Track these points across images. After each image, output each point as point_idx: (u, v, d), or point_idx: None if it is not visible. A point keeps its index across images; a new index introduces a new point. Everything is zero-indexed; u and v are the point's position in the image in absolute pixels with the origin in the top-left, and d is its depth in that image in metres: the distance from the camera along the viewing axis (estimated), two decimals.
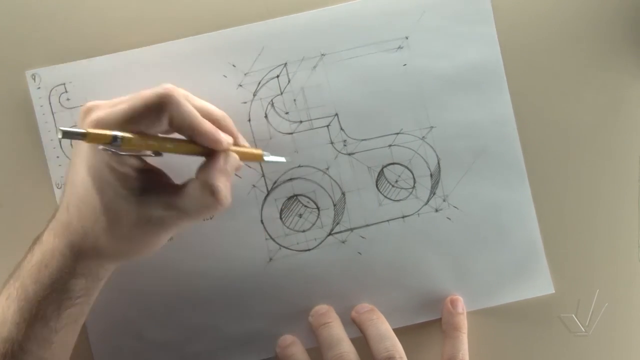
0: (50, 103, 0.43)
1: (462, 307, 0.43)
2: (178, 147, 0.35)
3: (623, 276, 0.44)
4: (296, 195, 0.44)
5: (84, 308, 0.37)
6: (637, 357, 0.44)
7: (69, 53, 0.43)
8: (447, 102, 0.43)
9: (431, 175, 0.44)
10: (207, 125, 0.35)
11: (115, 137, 0.31)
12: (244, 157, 0.38)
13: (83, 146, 0.35)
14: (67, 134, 0.30)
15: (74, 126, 0.43)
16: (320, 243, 0.44)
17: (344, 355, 0.39)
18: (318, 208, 0.44)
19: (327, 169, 0.44)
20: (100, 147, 0.33)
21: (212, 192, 0.34)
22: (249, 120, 0.43)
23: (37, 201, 0.43)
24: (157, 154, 0.35)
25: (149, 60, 0.43)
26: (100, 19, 0.43)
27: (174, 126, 0.34)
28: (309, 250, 0.44)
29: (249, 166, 0.43)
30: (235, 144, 0.38)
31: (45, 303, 0.35)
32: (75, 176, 0.35)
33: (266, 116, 0.43)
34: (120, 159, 0.34)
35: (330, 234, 0.44)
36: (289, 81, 0.43)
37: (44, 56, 0.43)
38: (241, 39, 0.43)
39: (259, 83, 0.43)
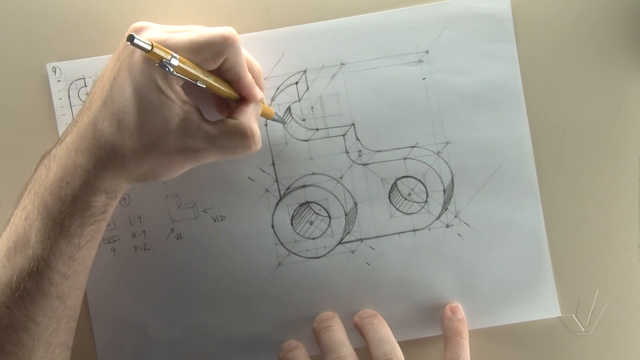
0: (69, 96, 0.43)
1: (462, 313, 0.43)
2: (220, 86, 0.37)
3: (623, 276, 0.44)
4: (308, 203, 0.44)
5: (102, 225, 0.37)
6: (637, 357, 0.44)
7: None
8: (465, 119, 0.43)
9: (444, 190, 0.44)
10: (250, 77, 0.38)
11: (172, 59, 0.32)
12: (265, 112, 0.41)
13: (134, 64, 0.34)
14: (133, 42, 0.30)
15: None
16: (329, 251, 0.44)
17: (342, 359, 0.39)
18: (329, 216, 0.44)
19: (341, 178, 0.44)
20: (157, 64, 0.32)
21: (251, 133, 0.37)
22: (266, 124, 0.43)
23: None
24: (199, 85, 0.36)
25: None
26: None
27: (223, 68, 0.36)
28: (318, 257, 0.44)
29: (262, 170, 0.43)
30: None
31: (69, 220, 0.35)
32: (115, 92, 0.35)
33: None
34: (168, 84, 0.35)
35: (340, 243, 0.44)
36: (307, 88, 0.44)
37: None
38: (262, 44, 0.43)
39: (278, 88, 0.43)
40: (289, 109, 0.44)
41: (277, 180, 0.44)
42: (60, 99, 0.43)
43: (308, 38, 0.43)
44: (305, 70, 0.43)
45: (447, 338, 0.42)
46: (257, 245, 0.43)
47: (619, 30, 0.44)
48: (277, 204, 0.44)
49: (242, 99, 0.38)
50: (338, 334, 0.41)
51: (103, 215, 0.37)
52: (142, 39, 0.31)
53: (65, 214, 0.35)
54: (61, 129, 0.43)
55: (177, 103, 0.35)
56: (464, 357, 0.41)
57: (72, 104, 0.43)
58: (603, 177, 0.44)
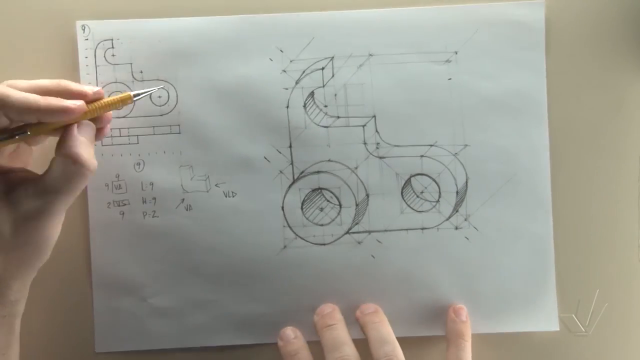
0: (95, 56, 0.43)
1: (466, 315, 0.43)
2: (36, 130, 0.35)
3: (623, 276, 0.44)
4: (321, 189, 0.44)
5: (6, 339, 0.36)
6: (637, 357, 0.44)
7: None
8: (486, 123, 0.43)
9: (457, 192, 0.44)
10: (45, 100, 0.34)
11: None
12: (108, 107, 0.38)
13: None
14: None
15: (111, 84, 0.43)
16: (336, 240, 0.44)
17: (345, 358, 0.39)
18: (340, 205, 0.44)
19: (356, 168, 0.44)
20: None
21: (74, 160, 0.34)
22: (287, 106, 0.43)
23: None
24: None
25: (199, 30, 0.43)
26: None
27: (15, 118, 0.34)
28: (324, 244, 0.44)
29: (279, 151, 0.43)
30: (89, 101, 0.37)
31: None
32: None
33: (305, 106, 0.43)
34: None
35: (347, 232, 0.44)
36: (332, 75, 0.43)
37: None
38: (293, 25, 0.43)
39: (303, 72, 0.43)
40: (312, 94, 0.43)
41: (292, 163, 0.44)
42: (86, 57, 0.43)
43: (339, 25, 0.43)
44: (332, 57, 0.43)
45: (449, 339, 0.42)
46: (265, 225, 0.44)
47: (619, 30, 0.43)
48: (290, 186, 0.44)
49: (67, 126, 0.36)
50: (340, 332, 0.41)
51: (3, 328, 0.35)
52: None
53: None
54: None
55: None
56: (465, 359, 0.41)
57: (97, 64, 0.43)
58: (603, 177, 0.44)
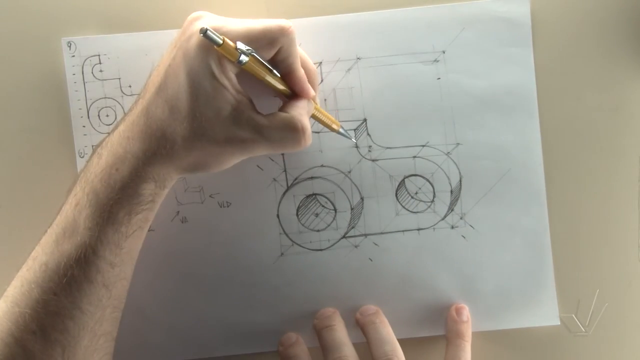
0: (82, 72, 0.43)
1: (467, 315, 0.43)
2: (276, 82, 0.37)
3: (623, 276, 0.44)
4: (315, 194, 0.44)
5: (149, 215, 0.37)
6: (637, 357, 0.44)
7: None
8: (477, 121, 0.43)
9: (451, 191, 0.44)
10: (302, 73, 0.38)
11: (241, 55, 0.34)
12: (321, 118, 0.41)
13: (190, 50, 0.34)
14: (206, 34, 0.32)
15: (100, 100, 0.43)
16: (333, 245, 0.44)
17: (344, 359, 0.39)
18: (335, 210, 0.44)
19: (349, 172, 0.44)
20: (205, 32, 0.33)
21: (302, 128, 0.37)
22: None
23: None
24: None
25: None
26: None
27: (277, 59, 0.36)
28: (321, 250, 0.44)
29: (272, 159, 0.43)
30: (313, 99, 0.40)
31: (117, 207, 0.35)
32: (169, 78, 0.35)
33: None
34: (222, 71, 0.35)
35: (344, 237, 0.44)
36: (321, 80, 0.43)
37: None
38: None
39: None
40: None
41: (285, 170, 0.44)
42: (74, 74, 0.43)
43: (326, 30, 0.43)
44: (320, 62, 0.43)
45: (449, 339, 0.42)
46: (261, 233, 0.43)
47: (619, 31, 0.43)
48: (284, 194, 0.44)
49: (295, 94, 0.38)
50: (339, 333, 0.41)
51: (151, 204, 0.37)
52: (215, 33, 0.32)
53: (114, 201, 0.35)
54: (73, 105, 0.43)
55: (230, 91, 0.35)
56: (464, 359, 0.41)
57: (85, 80, 0.43)
58: (603, 177, 0.44)
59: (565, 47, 0.44)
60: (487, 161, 0.43)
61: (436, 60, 0.43)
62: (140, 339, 0.44)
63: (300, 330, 0.43)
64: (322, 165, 0.43)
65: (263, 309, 0.44)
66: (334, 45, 0.43)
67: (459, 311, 0.43)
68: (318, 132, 0.43)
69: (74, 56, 0.43)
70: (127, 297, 0.43)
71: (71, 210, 0.35)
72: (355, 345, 0.41)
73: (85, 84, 0.43)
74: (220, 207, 0.43)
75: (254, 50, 0.34)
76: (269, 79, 0.37)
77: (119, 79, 0.43)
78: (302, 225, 0.44)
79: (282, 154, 0.43)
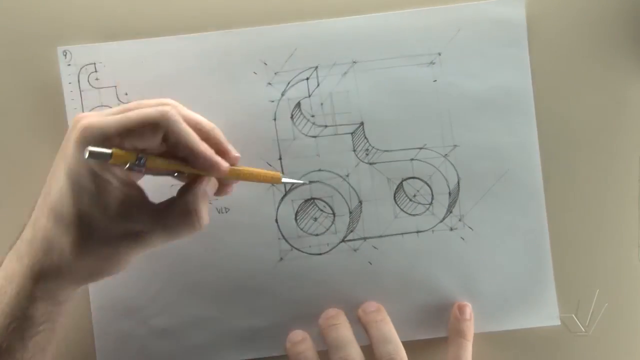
0: (79, 81, 0.43)
1: (470, 313, 0.43)
2: (179, 167, 0.35)
3: (623, 276, 0.44)
4: (313, 199, 0.44)
5: (49, 335, 0.35)
6: (637, 357, 0.44)
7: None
8: (474, 123, 0.43)
9: (450, 193, 0.44)
10: (203, 147, 0.35)
11: (139, 157, 0.32)
12: (254, 177, 0.38)
13: (67, 149, 0.33)
14: (92, 154, 0.30)
15: (97, 108, 0.43)
16: (332, 249, 0.44)
17: (349, 358, 0.39)
18: (334, 214, 0.44)
19: (347, 175, 0.44)
20: (89, 153, 0.31)
21: (194, 212, 0.35)
22: (275, 119, 0.43)
23: None
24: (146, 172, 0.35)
25: (181, 49, 0.43)
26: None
27: (169, 144, 0.34)
28: (320, 254, 0.44)
29: (269, 164, 0.43)
30: (228, 158, 0.37)
31: (7, 333, 0.33)
32: (52, 182, 0.34)
33: (292, 117, 0.43)
34: (104, 166, 0.33)
35: (343, 240, 0.44)
36: (318, 85, 0.43)
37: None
38: (275, 38, 0.43)
39: (288, 83, 0.43)
40: (298, 105, 0.43)
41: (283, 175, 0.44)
42: (70, 83, 0.43)
43: (321, 35, 0.43)
44: (316, 67, 0.43)
45: (450, 337, 0.42)
46: (260, 239, 0.43)
47: (615, 31, 0.43)
48: (282, 198, 0.44)
49: (198, 175, 0.36)
50: (345, 332, 0.41)
51: (47, 324, 0.35)
52: (98, 150, 0.31)
53: (3, 327, 0.33)
54: (69, 114, 0.43)
55: (116, 185, 0.34)
56: (465, 359, 0.41)
57: (81, 89, 0.43)
58: (603, 177, 0.44)
59: (561, 48, 0.44)
60: (485, 162, 0.43)
61: (432, 63, 0.43)
62: (142, 346, 0.44)
63: None
64: (319, 170, 0.43)
65: (263, 314, 0.44)
66: (330, 49, 0.43)
67: (461, 309, 0.43)
68: (315, 137, 0.43)
69: (69, 65, 0.43)
70: (127, 304, 0.43)
71: None
72: (360, 347, 0.41)
73: (82, 92, 0.43)
74: (219, 213, 0.43)
75: (144, 156, 0.33)
76: (171, 166, 0.35)
77: (115, 87, 0.43)
78: (301, 229, 0.44)
79: (280, 159, 0.43)
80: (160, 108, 0.33)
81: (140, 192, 0.36)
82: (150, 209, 0.35)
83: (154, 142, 0.34)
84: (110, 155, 0.31)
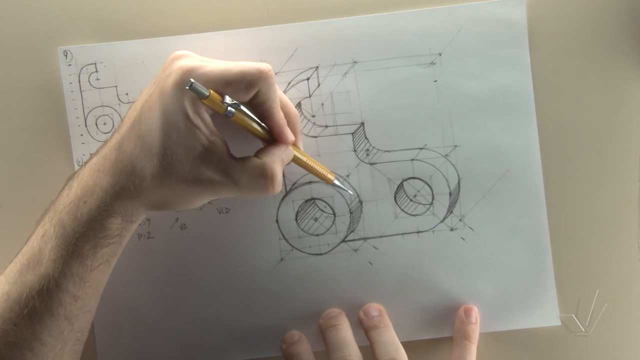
0: (79, 81, 0.43)
1: (476, 317, 0.43)
2: (257, 128, 0.37)
3: (623, 276, 0.44)
4: (314, 199, 0.44)
5: (116, 249, 0.37)
6: (637, 357, 0.44)
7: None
8: (474, 123, 0.43)
9: (450, 193, 0.44)
10: (281, 116, 0.38)
11: (235, 104, 0.35)
12: (311, 169, 0.41)
13: (166, 88, 0.35)
14: (191, 87, 0.32)
15: (97, 108, 0.43)
16: (332, 249, 0.44)
17: (348, 358, 0.39)
18: (334, 214, 0.44)
19: (348, 176, 0.44)
20: (191, 84, 0.33)
21: (271, 175, 0.36)
22: None
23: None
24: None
25: (181, 49, 0.43)
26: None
27: (255, 102, 0.36)
28: (320, 254, 0.44)
29: None
30: (295, 143, 0.40)
31: (83, 240, 0.35)
32: (144, 114, 0.35)
33: None
34: (196, 111, 0.35)
35: (343, 241, 0.44)
36: (318, 85, 0.43)
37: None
38: (276, 38, 0.43)
39: (289, 83, 0.43)
40: (299, 105, 0.43)
41: (284, 175, 0.44)
42: (71, 83, 0.43)
43: (322, 35, 0.43)
44: (317, 67, 0.43)
45: (455, 339, 0.42)
46: (261, 239, 0.43)
47: (616, 31, 0.43)
48: (283, 199, 0.44)
49: (274, 140, 0.38)
50: (344, 333, 0.41)
51: (118, 238, 0.36)
52: (200, 86, 0.33)
53: (79, 234, 0.35)
54: (70, 114, 0.43)
55: (204, 132, 0.35)
56: None
57: (82, 89, 0.43)
58: (603, 177, 0.44)
59: (561, 48, 0.44)
60: (485, 163, 0.43)
61: (433, 63, 0.43)
62: (141, 346, 0.44)
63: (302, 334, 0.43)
64: None
65: (264, 314, 0.44)
66: (331, 49, 0.43)
67: (467, 312, 0.43)
68: (316, 137, 0.43)
69: (70, 65, 0.43)
70: (129, 305, 0.43)
71: (37, 240, 0.35)
72: (360, 349, 0.41)
73: (82, 92, 0.43)
74: (219, 213, 0.43)
75: (239, 104, 0.35)
76: (251, 127, 0.37)
77: (116, 87, 0.43)
78: (302, 230, 0.44)
79: None
80: (259, 66, 0.35)
81: (224, 143, 0.37)
82: (229, 164, 0.36)
83: (244, 97, 0.36)
84: (207, 95, 0.33)
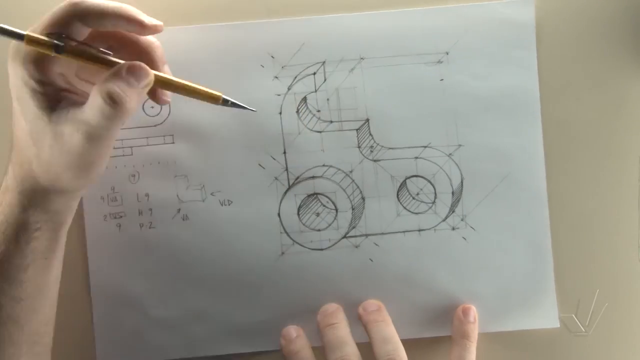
0: None
1: (474, 316, 0.43)
2: (99, 56, 0.35)
3: (623, 276, 0.44)
4: (316, 194, 0.44)
5: (47, 244, 0.36)
6: (637, 357, 0.44)
7: None
8: (479, 123, 0.43)
9: (453, 193, 0.44)
10: (123, 7, 0.35)
11: (56, 44, 0.33)
12: (188, 91, 0.37)
13: (10, 83, 0.35)
14: (3, 31, 0.32)
15: None
16: (333, 244, 0.44)
17: (345, 358, 0.39)
18: (336, 209, 0.44)
19: (351, 172, 0.44)
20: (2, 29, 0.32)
21: (112, 98, 0.33)
22: (280, 113, 0.43)
23: None
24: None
25: (188, 40, 0.43)
26: None
27: (94, 25, 0.34)
28: (321, 250, 0.44)
29: (273, 158, 0.43)
30: (147, 29, 0.36)
31: (3, 237, 0.35)
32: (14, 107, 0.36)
33: (297, 111, 0.43)
34: (38, 74, 0.34)
35: (344, 236, 0.44)
36: (324, 80, 0.43)
37: None
38: (283, 32, 0.43)
39: (295, 78, 0.43)
40: (304, 99, 0.43)
41: (287, 169, 0.44)
42: None
43: (329, 30, 0.43)
44: (324, 62, 0.43)
45: (454, 339, 0.42)
46: (262, 232, 0.43)
47: (623, 34, 0.43)
48: (285, 192, 0.44)
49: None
50: (342, 332, 0.41)
51: (42, 232, 0.35)
52: (9, 28, 0.32)
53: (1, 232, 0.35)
54: None
55: (49, 93, 0.34)
56: None
57: None
58: (603, 177, 0.44)
59: (568, 50, 0.44)
60: (489, 163, 0.43)
61: (439, 62, 0.43)
62: (141, 337, 0.44)
63: (301, 328, 0.43)
64: (323, 165, 0.44)
65: (264, 308, 0.44)
66: (338, 45, 0.43)
67: (465, 311, 0.43)
68: (320, 132, 0.43)
69: None
70: (128, 295, 0.43)
71: None
72: (358, 345, 0.41)
73: None
74: (222, 205, 0.43)
75: (61, 40, 0.33)
76: (92, 55, 0.35)
77: None
78: (303, 224, 0.44)
79: (284, 153, 0.43)
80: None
81: (77, 97, 0.36)
82: (77, 108, 0.34)
83: (83, 34, 0.35)
84: (23, 36, 0.32)
